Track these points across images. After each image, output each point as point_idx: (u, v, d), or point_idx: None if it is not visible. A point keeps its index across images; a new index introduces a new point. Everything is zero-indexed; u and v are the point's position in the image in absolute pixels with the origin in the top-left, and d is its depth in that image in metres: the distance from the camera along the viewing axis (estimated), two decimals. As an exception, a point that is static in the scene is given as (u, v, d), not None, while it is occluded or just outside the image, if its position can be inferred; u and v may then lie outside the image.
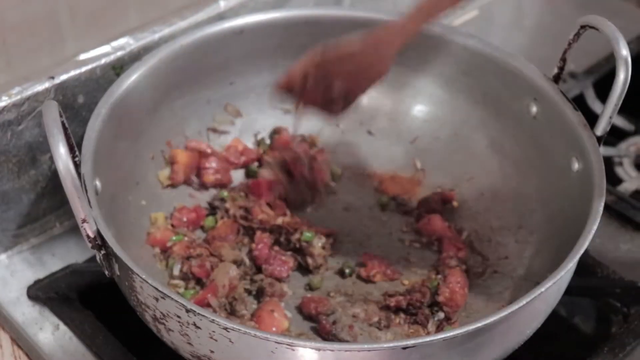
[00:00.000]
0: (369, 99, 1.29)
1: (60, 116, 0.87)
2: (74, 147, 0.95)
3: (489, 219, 1.21)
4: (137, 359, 1.05)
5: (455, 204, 1.23)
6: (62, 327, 1.10)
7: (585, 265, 1.15)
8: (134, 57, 1.16)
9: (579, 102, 1.28)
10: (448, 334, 0.84)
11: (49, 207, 1.18)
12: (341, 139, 1.30)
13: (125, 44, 1.17)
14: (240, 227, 1.16)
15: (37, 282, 1.13)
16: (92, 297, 1.12)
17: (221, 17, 1.24)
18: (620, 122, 1.46)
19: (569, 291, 1.01)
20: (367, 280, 1.14)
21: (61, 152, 0.84)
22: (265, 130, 1.29)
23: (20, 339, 1.10)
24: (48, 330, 1.09)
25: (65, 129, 0.87)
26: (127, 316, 1.00)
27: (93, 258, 1.12)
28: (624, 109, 1.34)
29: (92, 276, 1.11)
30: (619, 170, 1.39)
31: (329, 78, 1.09)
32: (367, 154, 1.30)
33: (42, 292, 1.12)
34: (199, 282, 1.09)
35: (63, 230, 1.21)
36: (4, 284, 1.14)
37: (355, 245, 1.19)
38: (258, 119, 1.28)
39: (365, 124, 1.30)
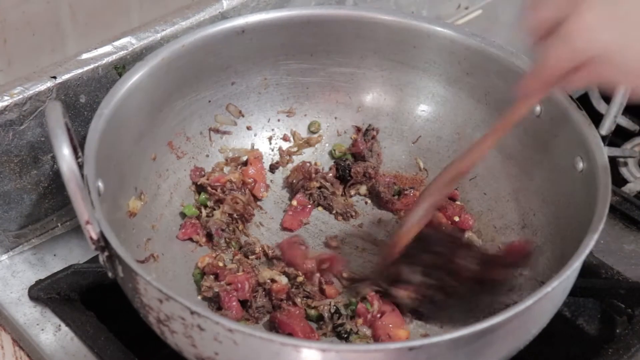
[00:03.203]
0: (371, 98, 1.29)
1: (64, 117, 0.86)
2: (77, 148, 0.94)
3: (492, 218, 1.20)
4: (139, 360, 1.05)
5: (458, 203, 1.23)
6: (64, 327, 1.09)
7: (590, 266, 1.15)
8: (136, 57, 1.15)
9: (583, 102, 1.27)
10: (455, 335, 0.83)
11: (50, 207, 1.18)
12: (343, 139, 1.30)
13: (128, 43, 1.16)
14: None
15: (39, 282, 1.13)
16: (94, 298, 1.12)
17: (223, 16, 1.23)
18: (625, 123, 1.45)
19: (573, 292, 1.01)
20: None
21: (65, 153, 0.83)
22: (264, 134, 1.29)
23: (21, 340, 1.10)
24: (49, 331, 1.09)
25: (68, 129, 0.87)
26: (129, 317, 0.99)
27: (95, 258, 1.12)
28: (629, 109, 1.34)
29: (93, 277, 1.11)
30: (623, 171, 1.38)
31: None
32: (369, 153, 1.29)
33: (43, 293, 1.12)
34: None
35: (64, 230, 1.20)
36: (5, 285, 1.14)
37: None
38: (260, 118, 1.28)
39: (367, 124, 1.29)
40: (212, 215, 1.18)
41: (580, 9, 0.83)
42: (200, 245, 1.16)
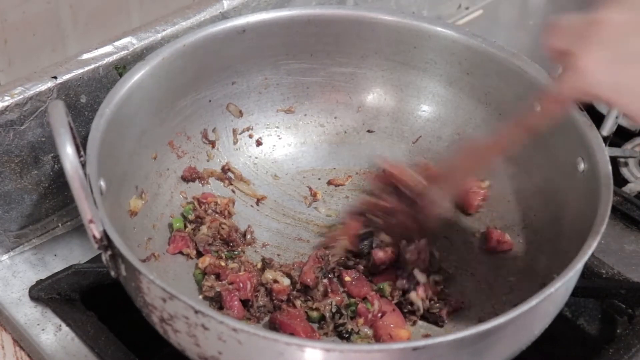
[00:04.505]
0: (372, 98, 1.29)
1: (67, 116, 0.86)
2: (79, 148, 0.94)
3: (493, 219, 1.20)
4: (140, 360, 1.04)
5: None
6: (64, 328, 1.09)
7: (591, 267, 1.15)
8: (137, 57, 1.15)
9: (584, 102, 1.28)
10: (458, 335, 0.83)
11: (51, 207, 1.17)
12: (344, 139, 1.30)
13: (128, 43, 1.16)
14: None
15: (39, 282, 1.12)
16: (95, 298, 1.12)
17: (224, 16, 1.23)
18: (626, 123, 1.45)
19: (574, 292, 1.01)
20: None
21: (68, 152, 0.83)
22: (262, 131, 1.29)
23: (22, 340, 1.10)
24: (50, 331, 1.09)
25: (71, 128, 0.87)
26: (129, 317, 1.00)
27: (95, 258, 1.12)
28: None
29: (94, 277, 1.11)
30: (624, 171, 1.38)
31: None
32: (369, 153, 1.29)
33: (44, 293, 1.11)
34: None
35: (65, 230, 1.20)
36: (6, 285, 1.13)
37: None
38: (260, 118, 1.28)
39: (367, 124, 1.30)
40: (199, 230, 1.16)
41: (587, 48, 0.86)
42: (192, 257, 1.14)
